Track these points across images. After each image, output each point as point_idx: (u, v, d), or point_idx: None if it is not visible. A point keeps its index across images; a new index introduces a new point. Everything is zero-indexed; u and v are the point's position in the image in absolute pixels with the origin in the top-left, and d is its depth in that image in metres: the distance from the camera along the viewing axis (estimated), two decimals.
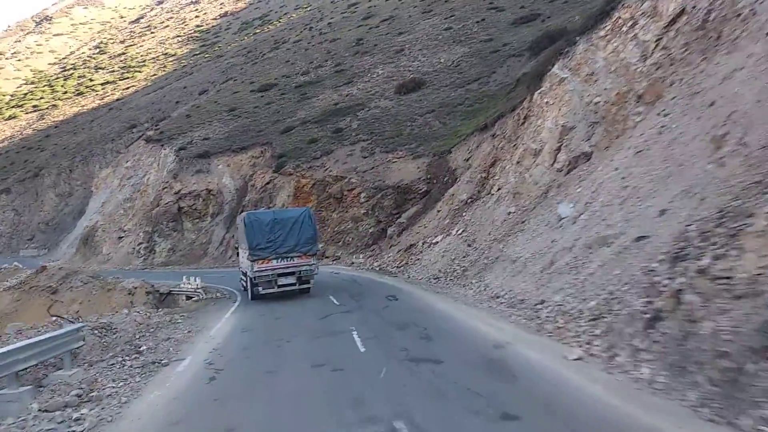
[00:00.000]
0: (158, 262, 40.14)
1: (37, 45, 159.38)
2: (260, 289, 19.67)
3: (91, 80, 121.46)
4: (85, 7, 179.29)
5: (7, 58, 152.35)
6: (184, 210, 41.26)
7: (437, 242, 23.00)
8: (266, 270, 19.54)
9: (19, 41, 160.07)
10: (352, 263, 29.54)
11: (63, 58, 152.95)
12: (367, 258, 29.64)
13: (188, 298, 25.18)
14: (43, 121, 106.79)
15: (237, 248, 26.27)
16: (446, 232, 23.36)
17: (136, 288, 25.91)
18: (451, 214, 25.06)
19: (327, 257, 31.61)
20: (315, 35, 70.61)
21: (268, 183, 37.71)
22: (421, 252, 23.74)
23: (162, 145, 48.26)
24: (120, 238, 44.01)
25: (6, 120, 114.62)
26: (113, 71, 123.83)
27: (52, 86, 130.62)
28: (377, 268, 26.36)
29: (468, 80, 39.87)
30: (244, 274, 21.60)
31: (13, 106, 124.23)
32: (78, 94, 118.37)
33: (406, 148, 34.14)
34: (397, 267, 24.53)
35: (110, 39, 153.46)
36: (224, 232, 39.46)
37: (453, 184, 28.58)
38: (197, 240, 40.27)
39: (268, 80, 56.41)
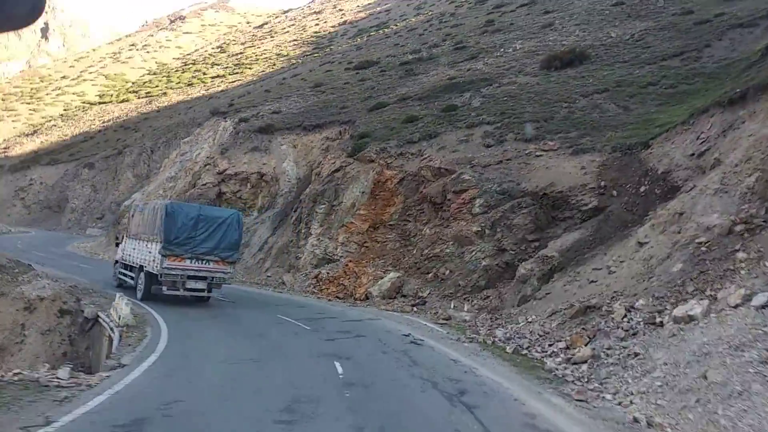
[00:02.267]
0: None
1: (167, 40, 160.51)
2: (164, 288, 17.38)
3: (204, 74, 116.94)
4: (217, 11, 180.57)
5: (137, 50, 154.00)
6: (226, 196, 29.20)
7: (693, 317, 8.44)
8: (176, 269, 17.06)
9: (152, 36, 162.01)
10: (449, 318, 15.55)
11: (187, 54, 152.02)
12: (475, 311, 15.82)
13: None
14: (150, 105, 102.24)
15: (121, 237, 22.36)
16: (702, 294, 8.90)
17: (42, 300, 13.36)
18: (681, 249, 10.69)
19: (404, 296, 17.84)
20: (434, 23, 57.83)
21: (337, 170, 24.58)
22: (644, 336, 9.26)
23: (225, 118, 36.88)
24: None
25: (119, 102, 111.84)
26: (226, 67, 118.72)
27: (168, 77, 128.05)
28: (498, 342, 12.28)
29: (662, 55, 25.08)
30: (131, 269, 19.34)
31: (129, 92, 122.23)
32: (188, 85, 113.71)
33: (561, 138, 20.13)
34: (563, 358, 10.13)
35: (233, 41, 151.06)
36: (269, 234, 26.84)
37: (668, 196, 14.15)
38: None
39: (368, 58, 44.06)
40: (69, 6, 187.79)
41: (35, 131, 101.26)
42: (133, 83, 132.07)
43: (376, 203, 22.48)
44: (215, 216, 18.24)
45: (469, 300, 16.86)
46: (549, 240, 16.83)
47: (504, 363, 10.42)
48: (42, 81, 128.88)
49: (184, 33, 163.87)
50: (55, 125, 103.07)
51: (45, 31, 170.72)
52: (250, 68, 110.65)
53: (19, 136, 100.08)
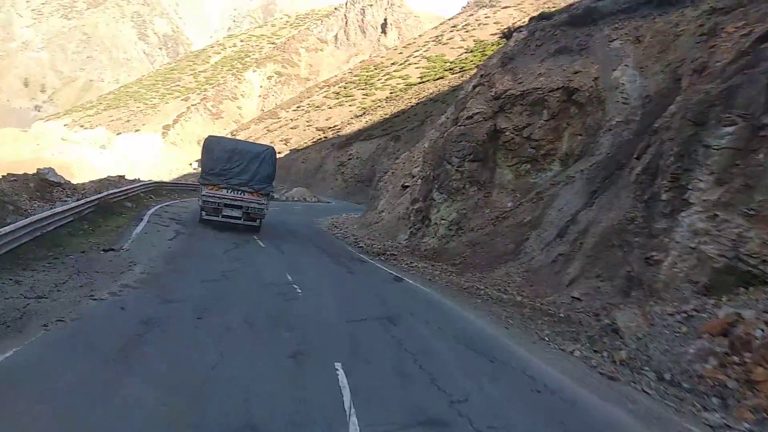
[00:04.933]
0: (427, 248, 16.65)
1: (485, 17, 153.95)
2: (204, 214, 19.13)
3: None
4: None
5: (457, 31, 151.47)
6: (505, 138, 16.23)
7: None
8: (214, 197, 18.66)
9: (471, 15, 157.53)
10: None
11: (504, 29, 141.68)
12: None
13: None
14: (461, 78, 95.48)
15: None
16: None
17: None
18: None
19: None
20: None
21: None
22: None
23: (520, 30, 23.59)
24: (404, 187, 22.36)
25: (434, 80, 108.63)
26: None
27: (483, 52, 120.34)
28: None
29: None
30: None
31: (445, 70, 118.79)
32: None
33: None
34: None
35: (553, 5, 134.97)
36: (580, 205, 12.86)
37: None
38: (514, 213, 14.86)
39: None
40: (406, 1, 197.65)
41: (364, 113, 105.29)
42: (450, 62, 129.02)
43: None
44: (249, 150, 19.38)
45: None
46: None
47: None
48: (375, 68, 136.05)
49: (502, 8, 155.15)
50: (379, 106, 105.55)
51: (384, 26, 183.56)
52: None
53: (351, 118, 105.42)
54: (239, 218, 18.46)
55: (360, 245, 19.67)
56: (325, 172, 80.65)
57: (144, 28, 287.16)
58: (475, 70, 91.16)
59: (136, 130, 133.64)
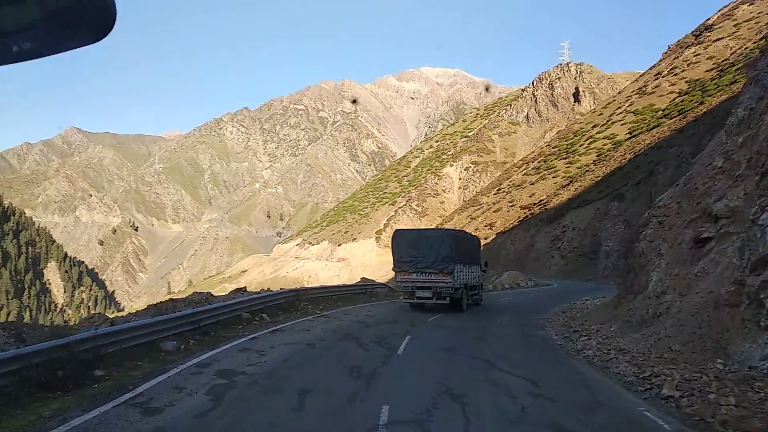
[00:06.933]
0: None
1: (695, 56, 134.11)
2: (401, 298, 22.08)
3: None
4: (751, 3, 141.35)
5: (663, 77, 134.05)
6: None
7: None
8: (407, 281, 20.95)
9: (677, 58, 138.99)
10: None
11: (722, 61, 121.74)
12: None
13: None
14: (683, 120, 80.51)
15: None
16: None
17: None
18: None
19: None
20: None
21: None
22: None
23: None
24: (701, 241, 13.07)
25: (648, 131, 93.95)
26: None
27: (704, 89, 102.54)
28: None
29: None
30: None
31: (660, 117, 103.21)
32: (732, 83, 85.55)
33: None
34: None
35: None
36: None
37: None
38: None
39: None
40: (596, 65, 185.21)
41: (570, 181, 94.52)
42: (663, 109, 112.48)
43: None
44: (430, 235, 22.45)
45: None
46: None
47: None
48: (575, 135, 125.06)
49: (713, 41, 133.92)
50: (588, 170, 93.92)
51: (576, 95, 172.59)
52: None
53: (557, 190, 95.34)
54: (430, 298, 20.51)
55: (661, 393, 8.66)
56: (538, 251, 70.99)
57: (354, 150, 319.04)
58: (701, 108, 75.53)
59: (353, 239, 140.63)
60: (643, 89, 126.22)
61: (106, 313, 77.22)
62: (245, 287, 26.03)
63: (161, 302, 18.72)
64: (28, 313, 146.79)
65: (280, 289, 25.02)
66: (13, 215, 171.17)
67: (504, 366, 11.32)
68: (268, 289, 29.17)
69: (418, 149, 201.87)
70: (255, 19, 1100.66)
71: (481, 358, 12.25)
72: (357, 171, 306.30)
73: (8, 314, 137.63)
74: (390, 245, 23.21)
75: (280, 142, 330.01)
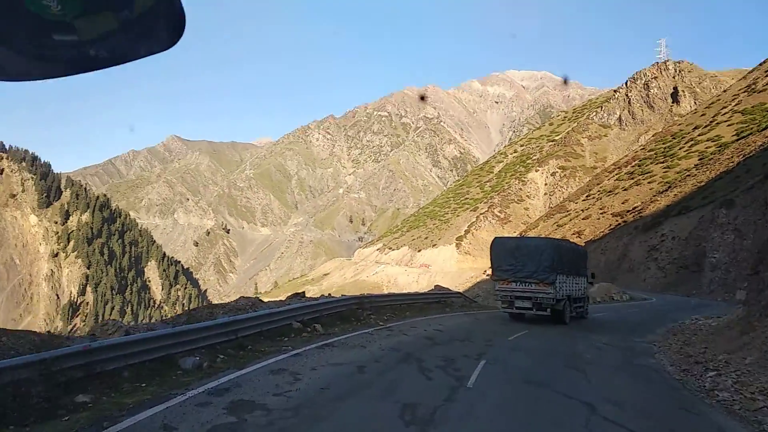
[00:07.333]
0: None
1: None
2: (500, 306, 21.30)
3: None
4: None
5: None
6: None
7: None
8: (506, 290, 20.34)
9: None
10: None
11: None
12: None
13: None
14: None
15: None
16: None
17: None
18: None
19: None
20: None
21: None
22: None
23: None
24: None
25: (759, 131, 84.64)
26: None
27: None
28: None
29: None
30: None
31: None
32: None
33: None
34: None
35: None
36: None
37: None
38: None
39: None
40: (698, 63, 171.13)
41: (669, 187, 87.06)
42: None
43: None
44: (530, 244, 21.00)
45: None
46: None
47: None
48: (674, 138, 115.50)
49: None
50: (689, 175, 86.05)
51: (674, 95, 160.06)
52: None
53: (653, 196, 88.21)
54: (530, 309, 19.87)
55: None
56: (632, 261, 65.71)
57: (436, 156, 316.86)
58: None
59: (433, 245, 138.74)
60: (753, 87, 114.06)
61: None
62: (303, 292, 24.73)
63: (197, 308, 17.66)
64: (129, 308, 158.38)
65: (342, 296, 22.68)
66: (119, 217, 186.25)
67: (609, 413, 8.83)
68: (341, 294, 28.38)
69: (501, 154, 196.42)
70: (343, 30, 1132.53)
71: (576, 398, 9.72)
72: (438, 176, 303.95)
73: (112, 309, 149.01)
74: (485, 252, 22.71)
75: (363, 148, 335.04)
